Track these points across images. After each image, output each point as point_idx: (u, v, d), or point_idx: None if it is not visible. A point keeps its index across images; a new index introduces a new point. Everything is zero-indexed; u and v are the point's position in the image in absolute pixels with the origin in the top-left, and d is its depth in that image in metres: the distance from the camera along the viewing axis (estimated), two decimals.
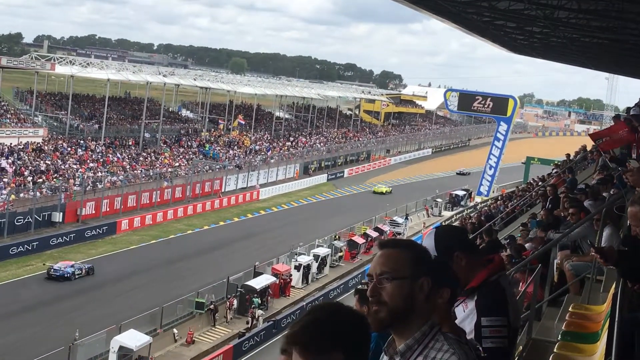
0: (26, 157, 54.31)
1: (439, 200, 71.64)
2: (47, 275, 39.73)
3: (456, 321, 3.58)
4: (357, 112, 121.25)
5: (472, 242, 4.28)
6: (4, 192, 47.14)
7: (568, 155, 28.93)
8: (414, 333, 2.58)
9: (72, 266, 40.43)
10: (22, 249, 43.21)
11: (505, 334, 3.79)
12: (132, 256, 46.17)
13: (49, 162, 55.05)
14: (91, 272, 41.12)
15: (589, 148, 23.23)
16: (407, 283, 2.56)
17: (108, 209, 53.45)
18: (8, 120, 58.91)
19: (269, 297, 39.55)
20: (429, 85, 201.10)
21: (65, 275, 39.57)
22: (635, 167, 9.27)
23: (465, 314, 3.82)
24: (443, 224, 60.23)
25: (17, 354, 29.55)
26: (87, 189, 52.91)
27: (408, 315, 2.57)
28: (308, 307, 37.02)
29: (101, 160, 60.28)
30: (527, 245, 11.43)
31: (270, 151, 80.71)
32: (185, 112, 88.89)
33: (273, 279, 40.63)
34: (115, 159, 61.74)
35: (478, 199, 74.67)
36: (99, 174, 56.99)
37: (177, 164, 66.72)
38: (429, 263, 2.65)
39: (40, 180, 51.23)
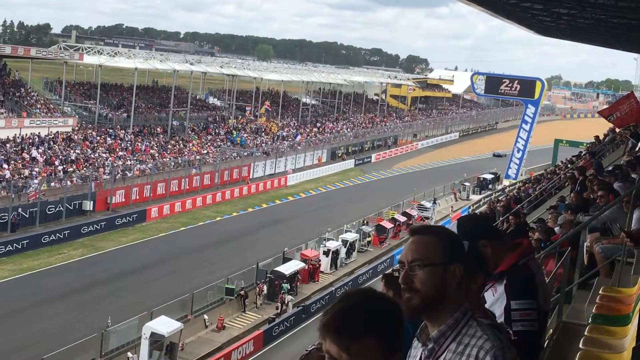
0: (56, 147, 54.87)
1: (466, 184, 71.38)
2: None
3: (486, 305, 3.62)
4: (383, 97, 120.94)
5: (496, 228, 4.28)
6: (36, 181, 47.68)
7: (597, 137, 28.74)
8: (447, 320, 2.58)
9: None
10: (53, 238, 43.71)
11: (535, 317, 3.81)
12: (162, 243, 46.52)
13: (79, 152, 55.57)
14: None
15: (617, 130, 23.04)
16: (439, 270, 2.56)
17: (138, 197, 53.90)
18: (38, 111, 59.54)
19: (298, 283, 39.70)
20: (456, 69, 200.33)
21: None
22: None
23: (494, 298, 3.84)
24: (471, 207, 60.10)
25: (51, 341, 29.91)
26: (117, 177, 53.37)
27: (440, 302, 2.56)
28: (337, 292, 37.16)
29: (130, 148, 60.75)
30: (556, 228, 11.40)
31: (298, 137, 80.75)
32: (212, 100, 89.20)
33: (302, 264, 40.78)
34: (144, 147, 62.17)
35: (506, 182, 74.31)
36: (128, 162, 57.45)
37: (205, 152, 67.04)
38: (461, 249, 2.64)
39: (71, 169, 51.79)
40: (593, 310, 6.55)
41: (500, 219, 20.09)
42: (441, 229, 2.73)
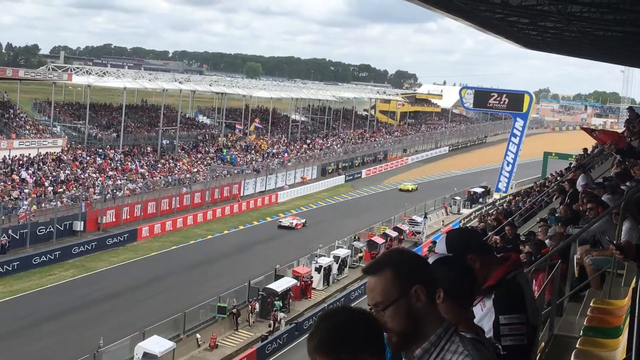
0: (46, 168, 54.73)
1: (457, 198, 71.52)
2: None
3: (475, 320, 3.62)
4: (372, 113, 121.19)
5: (485, 242, 4.29)
6: (26, 202, 47.52)
7: (585, 149, 28.84)
8: (430, 337, 2.57)
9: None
10: (44, 259, 43.56)
11: (524, 331, 3.81)
12: (153, 263, 46.38)
13: (69, 172, 55.44)
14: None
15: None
16: (401, 302, 2.53)
17: (128, 217, 53.77)
18: (27, 132, 59.42)
19: (290, 300, 39.64)
20: (444, 83, 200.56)
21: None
22: None
23: (483, 313, 3.84)
24: (462, 221, 60.17)
25: None
26: (107, 197, 53.26)
27: (417, 327, 2.56)
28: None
29: (120, 168, 60.65)
30: (546, 241, 11.42)
31: (287, 154, 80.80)
32: (201, 118, 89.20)
33: (294, 281, 40.72)
34: (134, 166, 62.07)
35: (497, 196, 74.47)
36: (119, 182, 57.33)
37: (195, 170, 66.98)
38: (416, 270, 2.60)
39: (61, 190, 51.62)
40: (584, 323, 6.57)
41: (492, 232, 20.10)
42: (390, 257, 2.67)
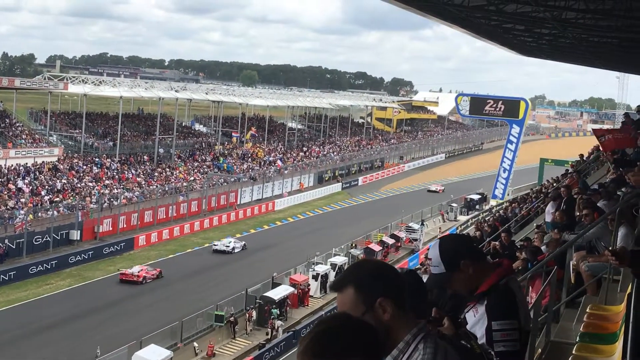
0: (42, 177, 54.69)
1: (454, 205, 71.56)
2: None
3: (467, 326, 3.62)
4: (369, 120, 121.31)
5: (477, 248, 4.29)
6: (22, 212, 47.46)
7: (581, 155, 28.94)
8: (399, 344, 2.58)
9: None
10: (41, 268, 43.48)
11: (517, 337, 3.80)
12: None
13: (65, 181, 55.40)
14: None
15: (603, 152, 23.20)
16: (368, 316, 2.56)
17: (125, 225, 53.71)
18: (23, 141, 59.35)
19: (287, 308, 39.61)
20: (440, 90, 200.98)
21: None
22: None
23: (475, 319, 3.83)
24: (459, 228, 60.15)
25: None
26: (104, 206, 53.21)
27: (389, 337, 2.57)
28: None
29: (117, 177, 60.61)
30: (542, 247, 11.43)
31: (280, 162, 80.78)
32: (198, 126, 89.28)
33: (291, 289, 40.69)
34: (131, 175, 62.03)
35: (493, 202, 74.44)
36: (115, 190, 57.29)
37: (192, 178, 66.98)
38: (377, 282, 2.62)
39: (57, 199, 51.57)
40: (581, 329, 6.56)
41: (488, 239, 20.14)
42: (351, 273, 2.71)
